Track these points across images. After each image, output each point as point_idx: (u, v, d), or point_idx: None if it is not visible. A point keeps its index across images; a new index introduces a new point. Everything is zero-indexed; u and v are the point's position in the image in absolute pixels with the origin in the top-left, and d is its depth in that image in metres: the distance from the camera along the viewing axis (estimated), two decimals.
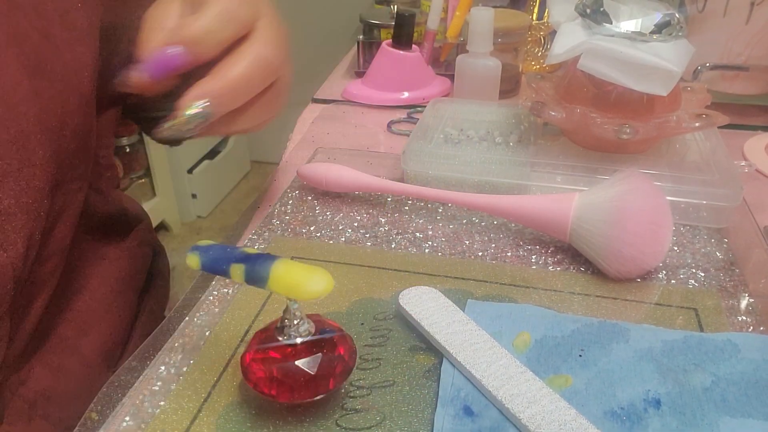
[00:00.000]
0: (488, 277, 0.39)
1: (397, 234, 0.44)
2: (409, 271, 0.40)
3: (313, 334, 0.29)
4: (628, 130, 0.44)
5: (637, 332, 0.34)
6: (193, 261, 0.29)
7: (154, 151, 1.71)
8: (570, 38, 0.45)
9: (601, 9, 0.45)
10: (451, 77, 0.66)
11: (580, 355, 0.32)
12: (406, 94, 0.66)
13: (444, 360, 0.32)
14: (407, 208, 0.47)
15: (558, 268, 0.40)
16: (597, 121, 0.45)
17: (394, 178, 0.48)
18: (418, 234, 0.44)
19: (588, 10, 0.46)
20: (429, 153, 0.48)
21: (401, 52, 0.66)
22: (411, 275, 0.39)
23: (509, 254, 0.41)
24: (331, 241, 0.43)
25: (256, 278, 0.27)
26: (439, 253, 0.42)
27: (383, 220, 0.45)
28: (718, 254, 0.41)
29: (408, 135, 0.51)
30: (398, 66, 0.66)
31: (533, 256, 0.41)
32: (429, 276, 0.39)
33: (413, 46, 0.66)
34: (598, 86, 0.46)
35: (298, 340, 0.29)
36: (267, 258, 0.27)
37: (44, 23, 0.34)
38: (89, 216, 0.42)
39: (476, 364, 0.31)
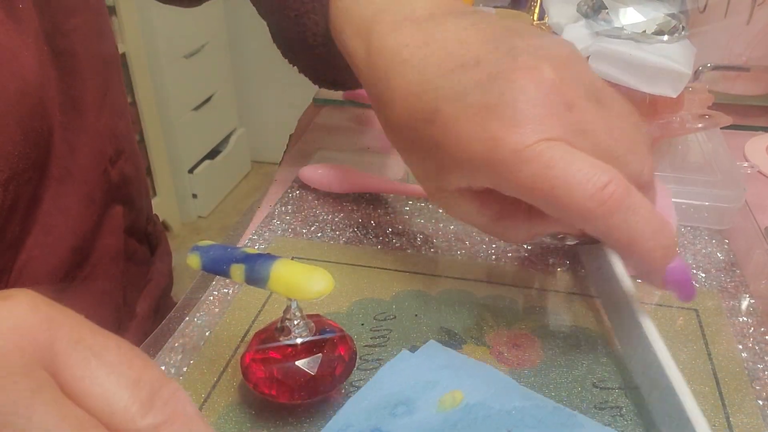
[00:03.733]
0: (489, 277, 0.39)
1: (398, 234, 0.43)
2: (410, 272, 0.39)
3: (314, 335, 0.29)
4: None
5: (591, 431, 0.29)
6: (194, 261, 0.29)
7: (155, 150, 1.71)
8: (575, 40, 0.45)
9: (604, 10, 0.45)
10: None
11: None
12: None
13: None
14: (408, 208, 0.47)
15: (558, 269, 0.40)
16: None
17: (395, 179, 0.48)
18: (418, 234, 0.44)
19: (590, 11, 0.46)
20: None
21: None
22: (411, 276, 0.39)
23: (510, 255, 0.41)
24: (332, 242, 0.43)
25: (256, 278, 0.27)
26: (440, 254, 0.41)
27: (384, 221, 0.45)
28: (719, 255, 0.41)
29: None
30: None
31: (534, 257, 0.41)
32: (429, 277, 0.39)
33: None
34: None
35: (299, 341, 0.29)
36: (267, 258, 0.27)
37: None
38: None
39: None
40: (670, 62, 0.41)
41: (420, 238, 0.43)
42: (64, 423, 0.17)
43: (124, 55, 1.53)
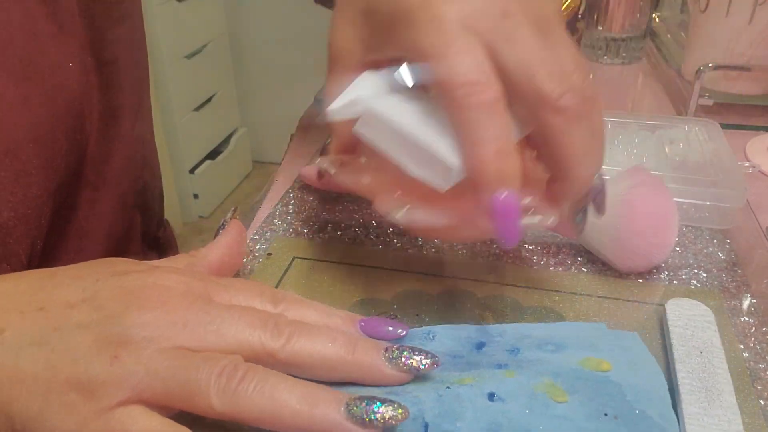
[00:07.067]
0: (489, 277, 0.39)
1: (399, 234, 0.43)
2: (411, 272, 0.39)
3: None
4: (404, 211, 0.31)
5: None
6: None
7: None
8: (358, 88, 0.32)
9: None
10: None
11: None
12: None
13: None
14: None
15: (560, 269, 0.40)
16: (377, 198, 0.33)
17: None
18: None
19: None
20: None
21: None
22: (413, 276, 0.39)
23: (511, 254, 0.41)
24: (333, 242, 0.43)
25: None
26: (441, 254, 0.41)
27: (385, 221, 0.45)
28: (721, 255, 0.41)
29: None
30: None
31: (535, 257, 0.41)
32: (430, 276, 0.39)
33: None
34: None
35: None
36: None
37: (30, 21, 0.32)
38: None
39: None
40: (442, 149, 0.29)
41: (421, 237, 0.43)
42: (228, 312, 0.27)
43: None
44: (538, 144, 0.29)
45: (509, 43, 0.27)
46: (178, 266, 0.31)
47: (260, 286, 0.30)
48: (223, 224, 0.33)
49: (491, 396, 0.27)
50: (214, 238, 0.33)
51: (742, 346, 0.34)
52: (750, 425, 0.29)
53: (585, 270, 0.40)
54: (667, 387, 0.29)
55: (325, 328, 0.28)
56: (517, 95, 0.28)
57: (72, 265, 0.28)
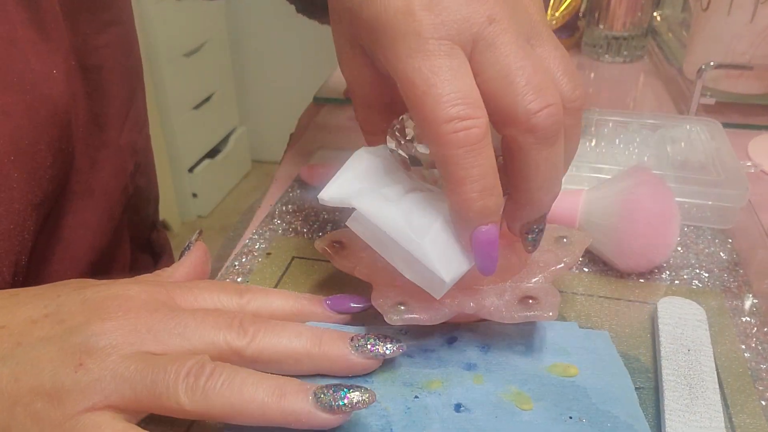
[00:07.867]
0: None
1: None
2: None
3: None
4: (402, 310, 0.30)
5: None
6: None
7: (154, 149, 1.71)
8: (349, 174, 0.32)
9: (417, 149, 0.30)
10: None
11: None
12: None
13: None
14: None
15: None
16: (374, 292, 0.32)
17: None
18: None
19: (401, 145, 0.30)
20: None
21: None
22: None
23: None
24: None
25: None
26: None
27: None
28: (722, 255, 0.41)
29: None
30: None
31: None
32: None
33: None
34: None
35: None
36: None
37: (7, 27, 0.31)
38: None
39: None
40: (435, 262, 0.28)
41: None
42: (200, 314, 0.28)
43: None
44: (505, 157, 0.28)
45: (491, 48, 0.26)
46: None
47: (222, 283, 0.31)
48: (188, 245, 0.33)
49: (458, 407, 0.28)
50: (179, 258, 0.33)
51: (743, 347, 0.34)
52: (751, 425, 0.29)
53: (586, 270, 0.39)
54: (633, 388, 0.30)
55: (291, 323, 0.29)
56: (493, 104, 0.26)
57: (33, 287, 0.29)
